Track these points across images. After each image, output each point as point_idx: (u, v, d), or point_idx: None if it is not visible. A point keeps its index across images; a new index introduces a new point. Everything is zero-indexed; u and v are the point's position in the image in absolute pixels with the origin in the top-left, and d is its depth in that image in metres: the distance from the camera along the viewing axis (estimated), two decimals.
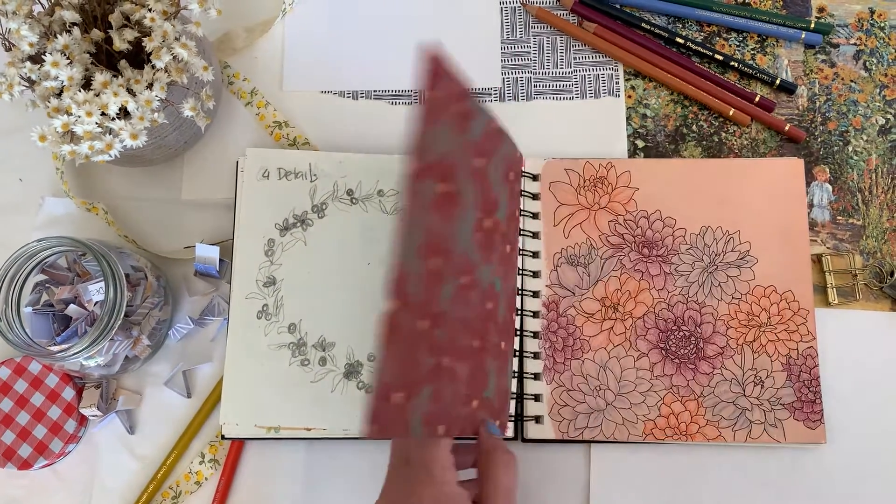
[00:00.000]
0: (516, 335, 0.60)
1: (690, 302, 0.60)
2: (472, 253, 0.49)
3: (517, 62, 0.68)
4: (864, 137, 0.65)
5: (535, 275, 0.61)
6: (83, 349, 0.55)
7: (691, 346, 0.60)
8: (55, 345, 0.57)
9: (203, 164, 0.66)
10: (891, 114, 0.66)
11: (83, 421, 0.61)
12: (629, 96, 0.67)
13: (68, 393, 0.61)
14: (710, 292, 0.61)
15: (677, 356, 0.60)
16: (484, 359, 0.52)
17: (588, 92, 0.67)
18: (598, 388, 0.59)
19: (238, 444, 0.61)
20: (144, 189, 0.66)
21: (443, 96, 0.46)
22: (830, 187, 0.64)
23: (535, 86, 0.67)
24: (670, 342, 0.60)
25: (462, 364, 0.49)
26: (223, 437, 0.60)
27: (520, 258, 0.61)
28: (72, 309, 0.58)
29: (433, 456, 0.47)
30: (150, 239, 0.65)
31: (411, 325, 0.44)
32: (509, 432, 0.58)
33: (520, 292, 0.61)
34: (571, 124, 0.66)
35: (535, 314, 0.61)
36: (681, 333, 0.60)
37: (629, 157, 0.65)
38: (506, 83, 0.67)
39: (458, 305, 0.48)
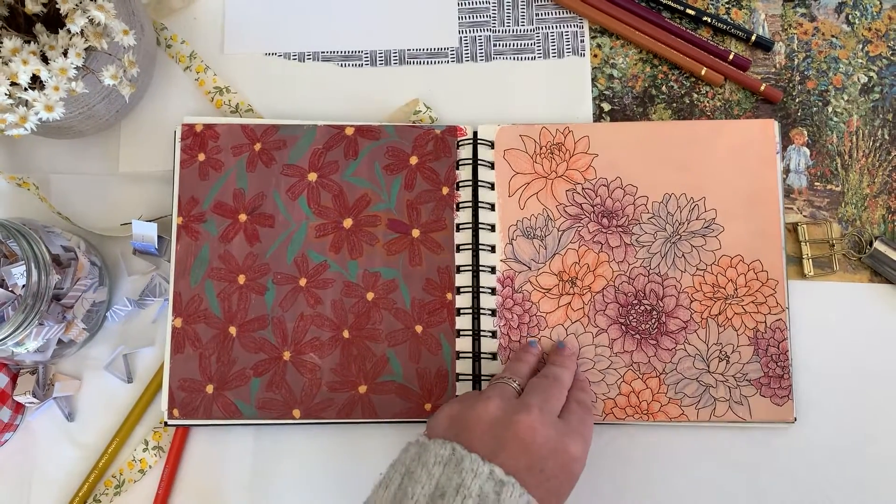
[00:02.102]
0: (471, 314, 0.57)
1: (652, 274, 0.57)
2: (315, 257, 0.57)
3: (475, 19, 0.63)
4: (845, 97, 0.61)
5: (493, 249, 0.58)
6: (8, 335, 0.51)
7: (653, 320, 0.56)
8: None
9: (141, 135, 0.62)
10: (874, 71, 0.61)
11: (19, 408, 0.58)
12: (595, 55, 0.62)
13: (2, 380, 0.57)
14: (674, 263, 0.57)
15: (638, 331, 0.56)
16: (367, 347, 0.56)
17: (551, 51, 0.62)
18: None
19: (183, 431, 0.58)
20: (79, 162, 0.62)
21: (206, 159, 0.59)
22: (808, 151, 0.60)
23: (495, 45, 0.63)
24: (631, 317, 0.57)
25: (323, 355, 0.57)
26: (166, 424, 0.57)
27: (479, 232, 0.58)
28: None
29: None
30: (85, 216, 0.61)
31: (208, 333, 0.57)
32: None
33: (474, 269, 0.57)
34: (533, 86, 0.62)
35: (493, 291, 0.57)
36: (642, 308, 0.57)
37: (595, 120, 0.61)
38: (463, 42, 0.63)
39: (294, 307, 0.57)
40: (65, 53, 0.50)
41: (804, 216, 0.59)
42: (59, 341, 0.56)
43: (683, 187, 0.58)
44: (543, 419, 0.47)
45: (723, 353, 0.56)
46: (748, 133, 0.58)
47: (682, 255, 0.57)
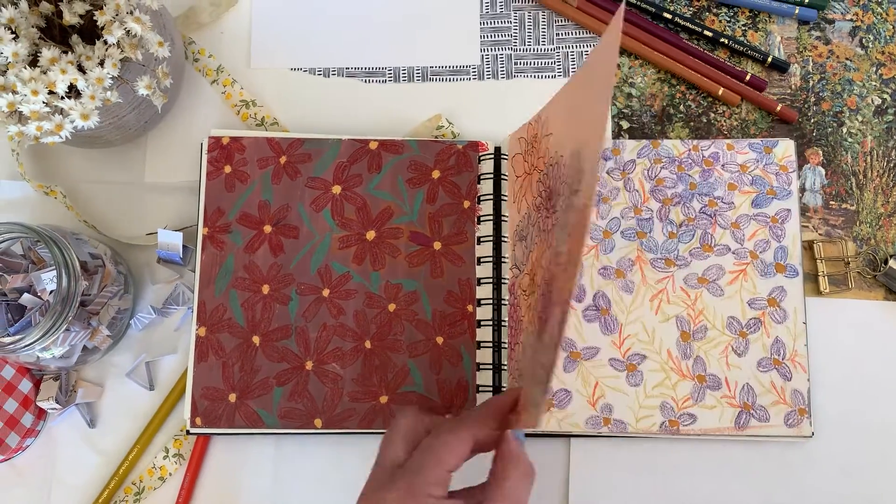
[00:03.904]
0: (492, 326, 0.57)
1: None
2: (339, 268, 0.58)
3: (497, 38, 0.65)
4: (860, 118, 0.62)
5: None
6: (35, 340, 0.52)
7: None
8: (8, 336, 0.55)
9: (167, 146, 0.63)
10: (887, 93, 0.63)
11: (41, 414, 0.59)
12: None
13: (25, 385, 0.58)
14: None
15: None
16: (389, 357, 0.57)
17: (571, 70, 0.64)
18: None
19: (204, 439, 0.58)
20: (105, 171, 0.63)
21: (232, 171, 0.60)
22: (823, 171, 0.62)
23: (516, 63, 0.64)
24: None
25: (345, 365, 0.57)
26: (188, 432, 0.57)
27: (500, 245, 0.58)
28: (26, 298, 0.55)
29: (425, 468, 0.43)
30: (111, 224, 0.62)
31: (232, 342, 0.57)
32: None
33: (495, 281, 0.58)
34: None
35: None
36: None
37: (614, 138, 0.62)
38: (485, 60, 0.64)
39: (317, 317, 0.58)
40: (101, 64, 0.51)
41: (819, 234, 0.60)
42: (84, 348, 0.57)
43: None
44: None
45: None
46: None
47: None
